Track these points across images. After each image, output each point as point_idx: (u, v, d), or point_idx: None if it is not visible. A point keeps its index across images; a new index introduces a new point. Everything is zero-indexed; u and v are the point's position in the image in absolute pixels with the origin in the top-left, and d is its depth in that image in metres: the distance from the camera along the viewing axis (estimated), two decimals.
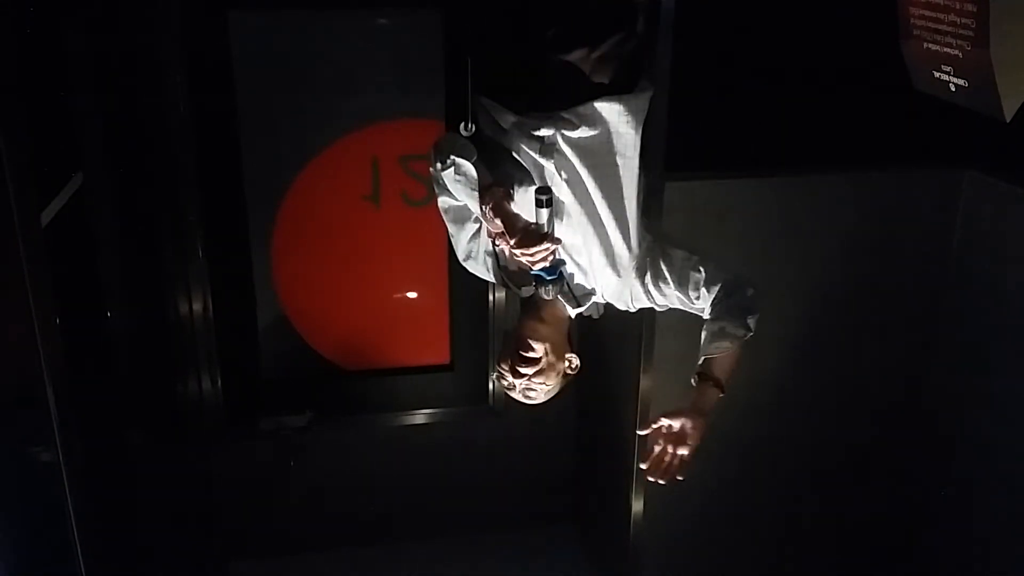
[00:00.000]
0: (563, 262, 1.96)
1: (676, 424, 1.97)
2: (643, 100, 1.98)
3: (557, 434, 3.69)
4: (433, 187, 2.04)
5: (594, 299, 2.09)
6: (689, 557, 3.32)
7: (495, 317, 3.50)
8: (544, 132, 1.94)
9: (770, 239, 2.93)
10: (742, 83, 2.89)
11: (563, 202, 1.96)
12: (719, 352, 2.03)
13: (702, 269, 2.02)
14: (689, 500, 3.19)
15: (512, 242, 1.85)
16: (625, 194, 1.99)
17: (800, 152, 2.91)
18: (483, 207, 1.88)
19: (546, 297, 1.95)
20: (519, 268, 2.01)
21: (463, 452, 3.65)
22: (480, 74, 2.08)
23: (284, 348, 3.49)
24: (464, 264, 2.13)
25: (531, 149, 1.95)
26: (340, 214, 3.36)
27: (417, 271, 3.52)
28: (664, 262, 2.03)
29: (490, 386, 3.62)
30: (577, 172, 1.95)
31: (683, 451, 1.96)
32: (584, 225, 1.98)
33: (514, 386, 2.02)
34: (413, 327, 3.60)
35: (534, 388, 2.01)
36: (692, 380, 2.06)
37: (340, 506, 3.60)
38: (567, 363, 2.06)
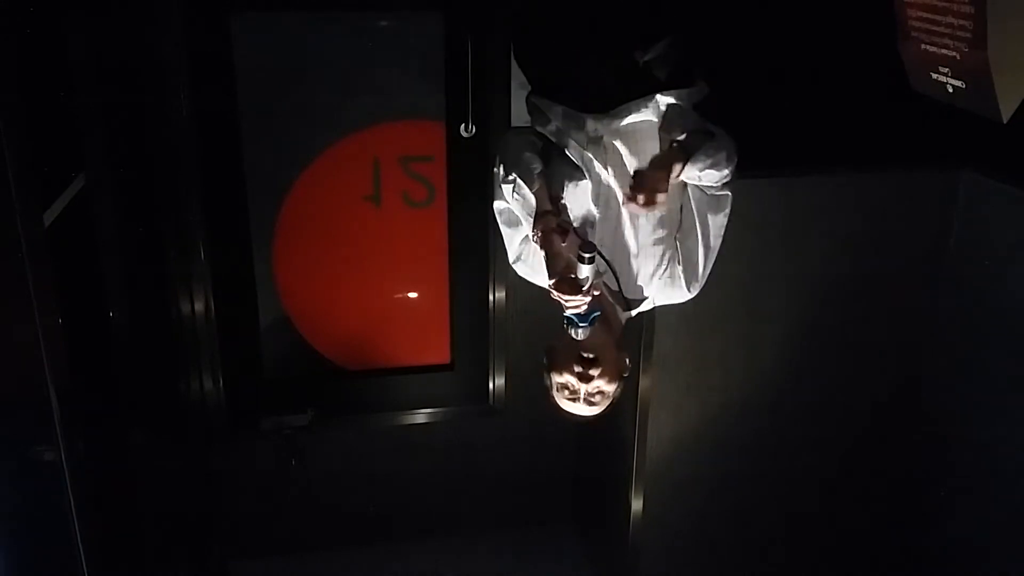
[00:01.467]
0: (598, 311, 1.90)
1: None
2: (697, 94, 2.02)
3: (557, 434, 3.69)
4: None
5: (644, 303, 2.04)
6: (689, 557, 3.32)
7: (495, 317, 3.50)
8: (592, 125, 1.97)
9: (769, 239, 2.93)
10: (742, 83, 2.90)
11: (612, 197, 1.96)
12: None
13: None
14: (689, 500, 3.20)
15: (550, 282, 1.85)
16: (674, 191, 1.97)
17: (799, 153, 2.92)
18: (534, 232, 1.90)
19: (576, 338, 1.89)
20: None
21: (463, 452, 3.66)
22: (531, 75, 2.12)
23: (285, 348, 3.50)
24: (514, 266, 2.10)
25: (579, 142, 1.98)
26: (341, 215, 3.37)
27: (418, 271, 3.52)
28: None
29: (490, 386, 3.63)
30: (625, 165, 1.96)
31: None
32: (634, 216, 1.97)
33: (578, 393, 1.93)
34: (413, 327, 3.61)
35: (602, 390, 1.93)
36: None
37: (340, 506, 3.61)
38: (624, 362, 2.00)
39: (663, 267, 2.03)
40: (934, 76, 2.25)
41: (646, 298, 2.04)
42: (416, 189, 3.36)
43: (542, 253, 1.93)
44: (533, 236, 1.90)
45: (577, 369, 1.90)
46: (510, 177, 1.94)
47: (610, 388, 1.94)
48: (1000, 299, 2.83)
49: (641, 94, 1.97)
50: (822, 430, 3.21)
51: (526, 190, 1.92)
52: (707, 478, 3.18)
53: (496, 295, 3.47)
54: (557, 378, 1.95)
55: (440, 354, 3.65)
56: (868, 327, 3.11)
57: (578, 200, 1.99)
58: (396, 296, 3.57)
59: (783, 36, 2.88)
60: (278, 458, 3.41)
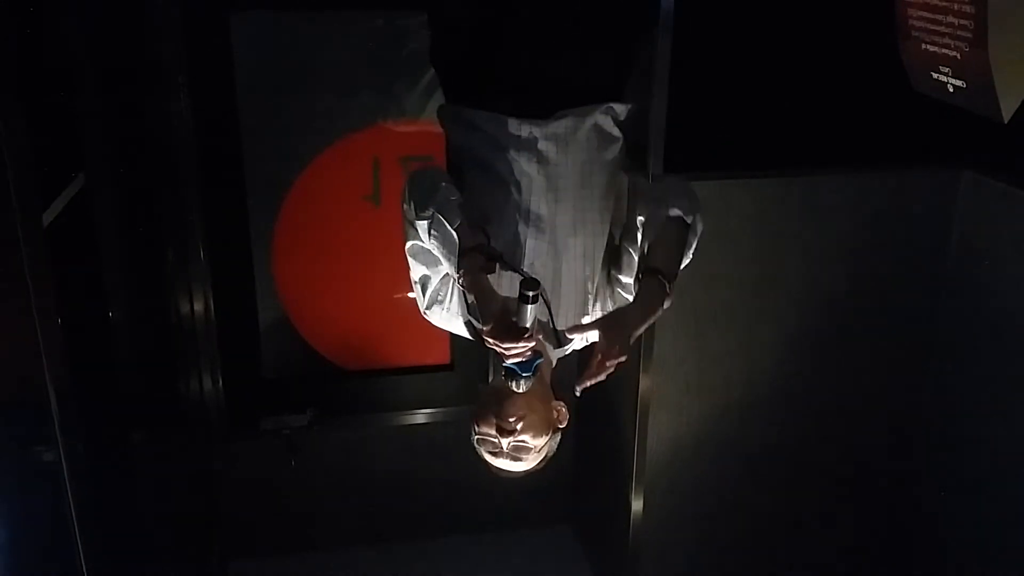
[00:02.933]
0: (540, 356, 1.71)
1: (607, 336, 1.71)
2: (630, 107, 1.94)
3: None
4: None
5: (573, 343, 1.87)
6: (689, 557, 3.32)
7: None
8: (528, 134, 1.84)
9: (768, 239, 2.93)
10: (742, 83, 2.89)
11: (543, 213, 1.84)
12: (654, 237, 1.78)
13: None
14: (689, 500, 3.20)
15: (485, 328, 1.65)
16: (606, 203, 1.90)
17: (799, 152, 2.92)
18: (459, 274, 1.70)
19: (516, 390, 1.69)
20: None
21: (463, 452, 3.63)
22: (463, 82, 1.96)
23: (285, 348, 3.49)
24: (426, 314, 1.92)
25: (517, 156, 1.85)
26: (341, 214, 3.37)
27: None
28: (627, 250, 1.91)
29: None
30: (559, 178, 1.85)
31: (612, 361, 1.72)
32: (564, 237, 1.86)
33: (500, 447, 1.76)
34: (413, 327, 3.59)
35: (525, 444, 1.75)
36: (634, 282, 1.82)
37: (340, 506, 3.61)
38: (555, 413, 1.83)
39: (596, 297, 1.88)
40: (934, 76, 2.25)
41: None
42: None
43: (468, 297, 1.75)
44: (459, 279, 1.70)
45: (496, 421, 1.72)
46: (427, 212, 1.71)
47: (537, 442, 1.75)
48: (1000, 299, 2.83)
49: (572, 104, 1.83)
50: (822, 430, 3.21)
51: (446, 227, 1.70)
52: (707, 479, 3.18)
53: None
54: (477, 429, 1.77)
55: (440, 354, 3.65)
56: (868, 327, 3.11)
57: (505, 224, 1.83)
58: (396, 296, 3.56)
59: (783, 35, 2.88)
60: (278, 458, 3.40)
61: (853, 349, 3.12)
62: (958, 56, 2.11)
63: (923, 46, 2.26)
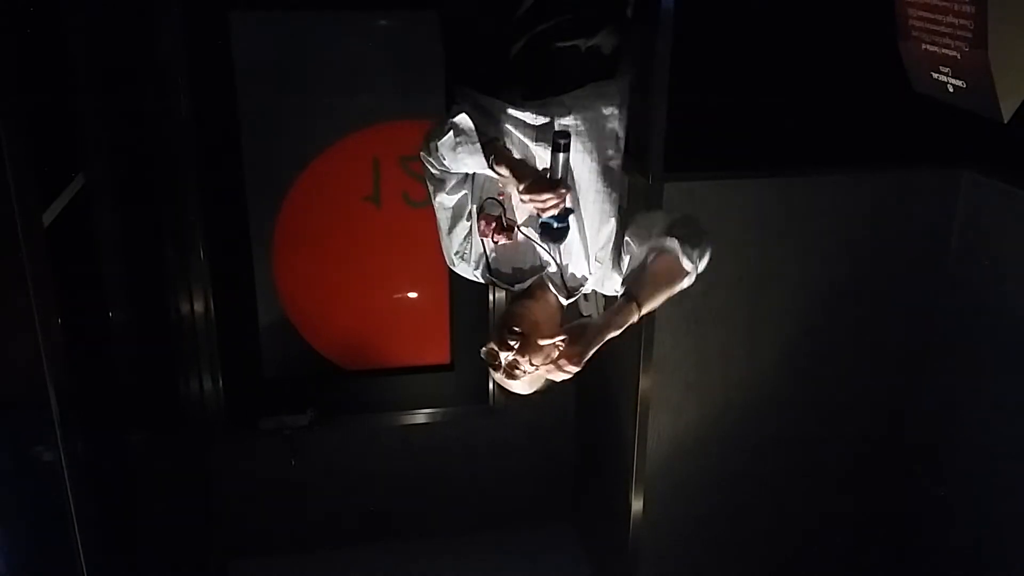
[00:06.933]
0: (571, 210, 1.90)
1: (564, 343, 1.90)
2: (625, 84, 2.00)
3: (557, 433, 3.70)
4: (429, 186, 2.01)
5: (582, 289, 2.07)
6: (689, 557, 3.32)
7: (495, 317, 3.50)
8: (538, 119, 1.92)
9: (769, 239, 2.93)
10: (742, 83, 2.90)
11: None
12: (653, 266, 1.93)
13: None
14: (689, 500, 3.20)
15: (520, 187, 1.81)
16: (615, 177, 1.99)
17: (799, 152, 2.92)
18: (487, 161, 1.85)
19: (558, 243, 1.90)
20: (512, 269, 2.02)
21: (463, 452, 3.66)
22: (468, 65, 2.04)
23: (285, 348, 3.49)
24: (453, 266, 2.09)
25: (525, 136, 1.94)
26: (341, 214, 3.37)
27: (417, 271, 3.52)
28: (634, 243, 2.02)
29: (490, 386, 3.63)
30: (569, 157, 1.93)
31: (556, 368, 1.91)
32: (576, 209, 1.97)
33: (500, 363, 1.92)
34: (413, 327, 3.61)
35: (519, 366, 1.91)
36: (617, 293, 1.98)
37: (340, 506, 3.61)
38: (555, 349, 1.93)
39: (605, 258, 2.03)
40: (935, 76, 2.25)
41: (585, 282, 2.05)
42: (416, 189, 3.36)
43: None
44: (489, 162, 1.85)
45: (501, 339, 1.90)
46: (446, 127, 1.84)
47: (529, 367, 1.90)
48: (1000, 299, 2.83)
49: (574, 86, 1.93)
50: (821, 430, 3.21)
51: (464, 119, 1.82)
52: (707, 478, 3.18)
53: (496, 295, 3.47)
54: (487, 343, 1.95)
55: (440, 354, 3.65)
56: (868, 327, 3.11)
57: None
58: (396, 296, 3.56)
59: (783, 35, 2.88)
60: (278, 458, 3.40)
61: (853, 349, 3.12)
62: (958, 56, 2.12)
63: (923, 46, 2.26)
